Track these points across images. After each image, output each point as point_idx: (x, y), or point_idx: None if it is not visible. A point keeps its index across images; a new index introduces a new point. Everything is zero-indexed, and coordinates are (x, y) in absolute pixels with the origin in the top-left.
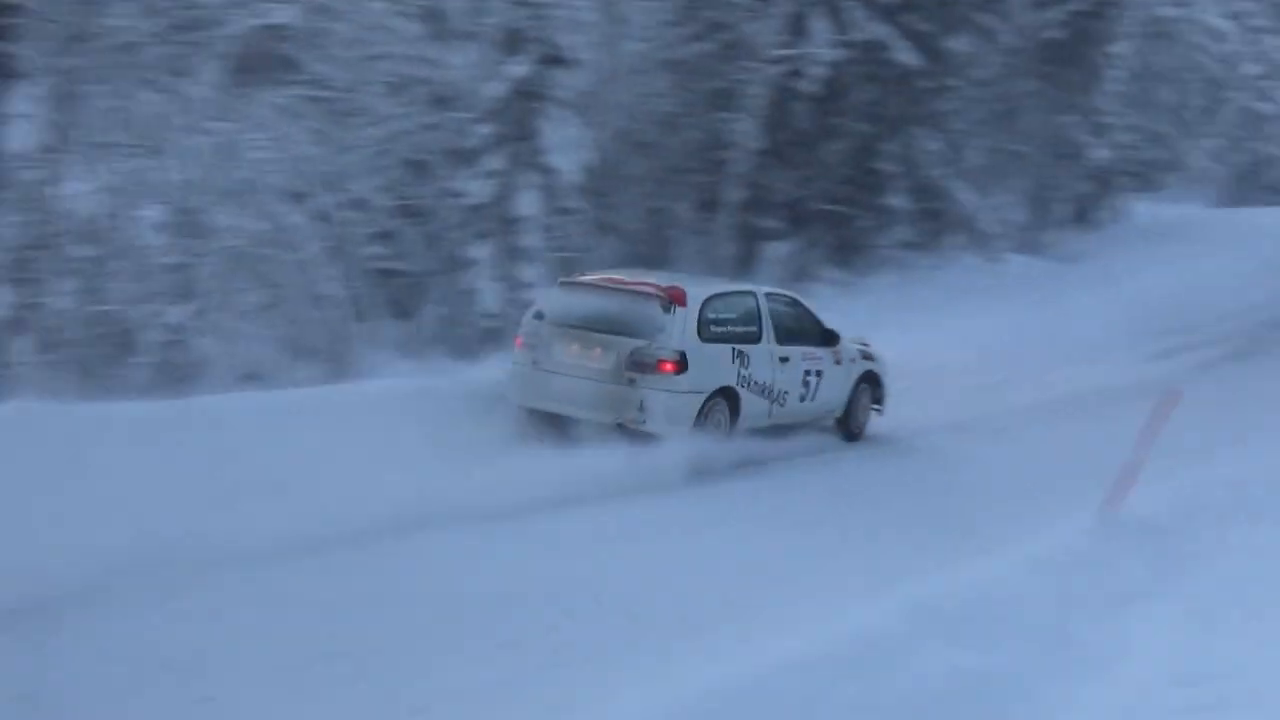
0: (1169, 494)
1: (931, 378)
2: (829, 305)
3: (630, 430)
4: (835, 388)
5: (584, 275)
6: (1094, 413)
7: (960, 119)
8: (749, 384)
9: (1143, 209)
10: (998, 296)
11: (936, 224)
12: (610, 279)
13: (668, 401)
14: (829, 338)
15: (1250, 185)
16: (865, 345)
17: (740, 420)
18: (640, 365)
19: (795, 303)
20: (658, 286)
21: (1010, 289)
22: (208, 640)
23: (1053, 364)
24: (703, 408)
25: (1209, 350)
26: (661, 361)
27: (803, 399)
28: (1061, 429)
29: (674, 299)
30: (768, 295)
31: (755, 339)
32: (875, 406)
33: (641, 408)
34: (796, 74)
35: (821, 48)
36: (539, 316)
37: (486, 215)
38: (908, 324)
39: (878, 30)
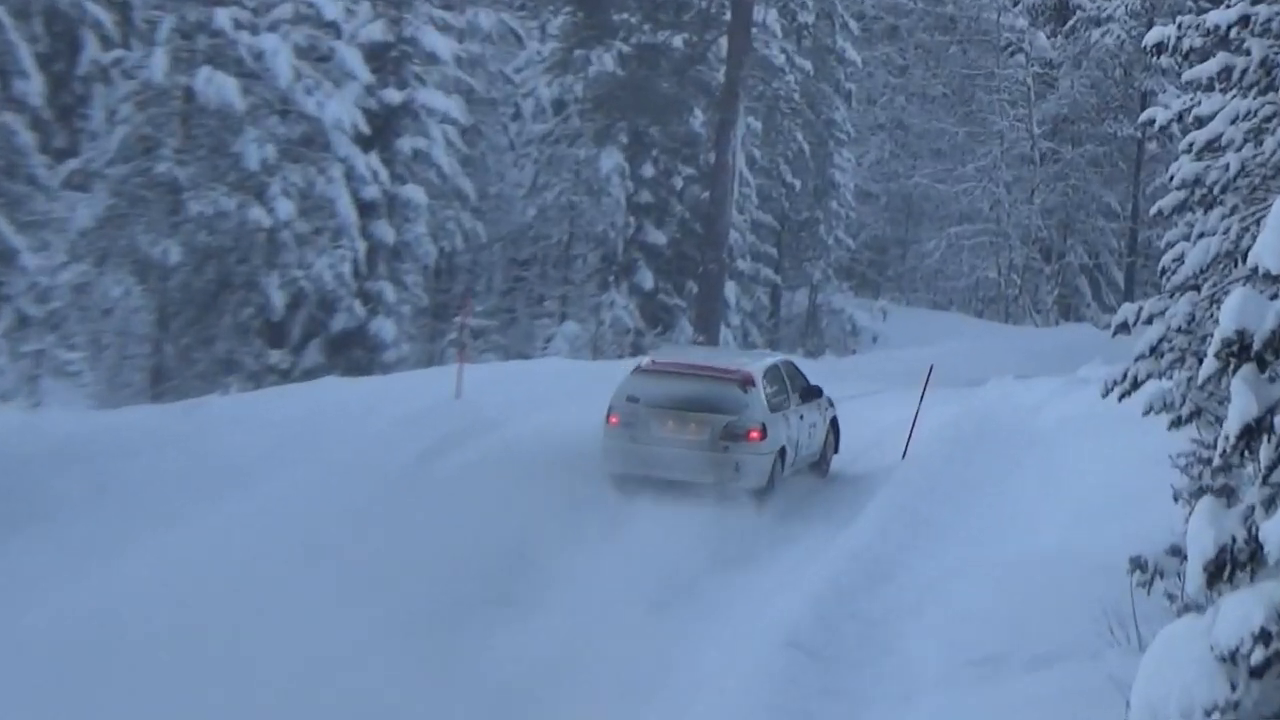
0: None
1: None
2: None
3: (724, 486)
4: (820, 435)
5: (660, 360)
6: None
7: None
8: (789, 440)
9: None
10: None
11: None
12: (688, 364)
13: (755, 462)
14: (814, 392)
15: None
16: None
17: (784, 470)
18: (734, 435)
19: (792, 364)
20: (734, 371)
21: None
22: None
23: None
24: (772, 465)
25: None
26: (750, 431)
27: (808, 448)
28: None
29: (748, 381)
30: (784, 362)
31: (786, 403)
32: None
33: (736, 469)
34: None
35: None
36: (633, 399)
37: None
38: None
39: None
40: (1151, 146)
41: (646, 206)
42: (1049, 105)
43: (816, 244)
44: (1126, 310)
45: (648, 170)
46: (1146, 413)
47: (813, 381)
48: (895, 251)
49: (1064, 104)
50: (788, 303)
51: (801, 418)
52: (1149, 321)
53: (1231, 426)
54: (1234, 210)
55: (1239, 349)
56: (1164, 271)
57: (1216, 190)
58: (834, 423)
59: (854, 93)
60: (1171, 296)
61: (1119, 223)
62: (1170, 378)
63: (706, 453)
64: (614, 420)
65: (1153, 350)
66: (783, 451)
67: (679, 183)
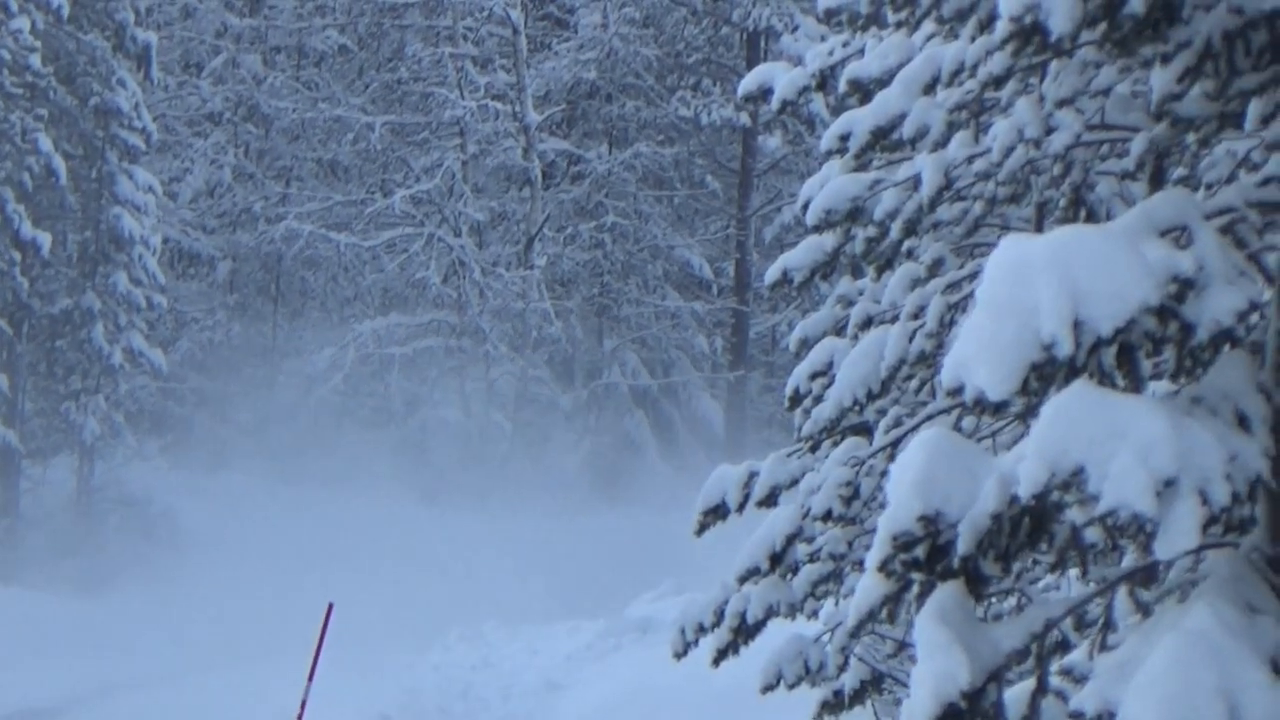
0: None
1: None
2: None
3: None
4: None
5: None
6: None
7: None
8: None
9: None
10: None
11: None
12: None
13: None
14: None
15: None
16: None
17: None
18: None
19: None
20: None
21: None
22: None
23: None
24: None
25: None
26: None
27: None
28: None
29: None
30: None
31: None
32: None
33: None
34: None
35: None
36: None
37: None
38: None
39: None
40: (771, 143)
41: None
42: (558, 65)
43: (93, 362)
44: (725, 478)
45: None
46: (770, 686)
47: None
48: (257, 372)
49: (587, 61)
50: (36, 488)
51: None
52: (768, 500)
53: (920, 709)
54: (933, 270)
55: (928, 554)
56: (796, 399)
57: (895, 232)
58: None
59: (154, 49)
60: (813, 448)
61: (712, 303)
62: (814, 614)
63: None
64: None
65: (776, 559)
66: None
67: None
